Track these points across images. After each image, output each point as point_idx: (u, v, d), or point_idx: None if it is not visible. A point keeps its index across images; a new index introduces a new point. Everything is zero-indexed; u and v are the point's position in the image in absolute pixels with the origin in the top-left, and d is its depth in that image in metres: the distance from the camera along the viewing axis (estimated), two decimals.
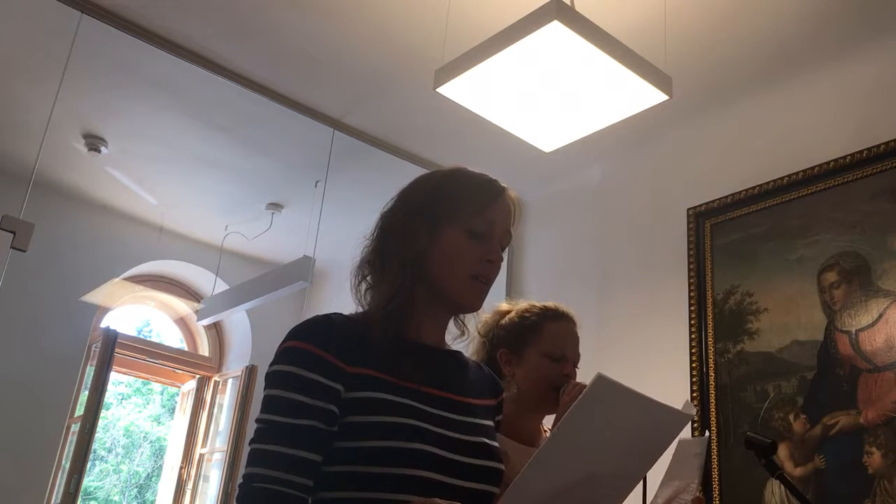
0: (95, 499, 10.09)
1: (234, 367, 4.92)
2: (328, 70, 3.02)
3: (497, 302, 1.70)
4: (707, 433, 2.65)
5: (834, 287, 2.51)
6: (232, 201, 4.20)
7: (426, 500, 0.97)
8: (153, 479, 10.10)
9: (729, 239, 2.85)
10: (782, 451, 2.47)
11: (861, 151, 2.54)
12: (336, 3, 2.64)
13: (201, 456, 4.79)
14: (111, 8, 2.76)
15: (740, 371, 2.67)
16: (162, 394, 10.64)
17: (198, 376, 5.02)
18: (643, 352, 3.00)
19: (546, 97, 2.24)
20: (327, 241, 3.80)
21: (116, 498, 10.28)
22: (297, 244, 4.06)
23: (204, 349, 5.15)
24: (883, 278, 2.40)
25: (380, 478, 0.99)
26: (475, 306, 1.15)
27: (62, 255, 4.15)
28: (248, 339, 4.91)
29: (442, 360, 1.16)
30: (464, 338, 1.21)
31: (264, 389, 1.03)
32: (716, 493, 2.59)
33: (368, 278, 1.16)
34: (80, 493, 3.93)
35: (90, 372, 4.15)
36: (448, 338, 1.19)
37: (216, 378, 4.99)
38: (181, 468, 4.78)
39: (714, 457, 2.63)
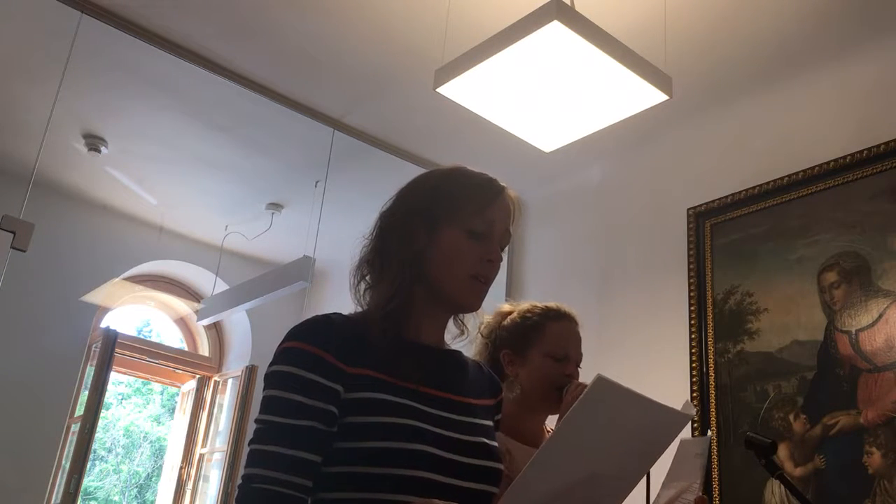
0: (95, 499, 10.09)
1: (234, 367, 4.93)
2: (328, 70, 3.02)
3: (497, 302, 1.70)
4: (709, 433, 2.65)
5: (834, 287, 2.51)
6: (232, 201, 4.20)
7: (425, 500, 0.97)
8: (153, 479, 10.10)
9: (729, 239, 2.85)
10: (782, 451, 2.47)
11: (861, 151, 2.54)
12: (336, 3, 2.64)
13: (201, 456, 4.79)
14: (111, 8, 2.76)
15: (740, 371, 2.67)
16: (162, 394, 10.65)
17: (198, 376, 5.02)
18: (643, 352, 3.00)
19: (546, 97, 2.24)
20: (327, 241, 3.80)
21: (116, 498, 10.28)
22: (297, 244, 4.06)
23: (204, 349, 5.15)
24: (883, 278, 2.40)
25: (379, 478, 0.98)
26: (475, 306, 1.14)
27: (62, 255, 4.15)
28: (248, 339, 4.91)
29: (441, 359, 1.15)
30: (463, 337, 1.21)
31: (263, 390, 1.03)
32: (716, 493, 2.59)
33: (367, 278, 1.15)
34: (80, 493, 3.93)
35: (90, 372, 4.15)
36: (448, 337, 1.19)
37: (216, 378, 4.99)
38: (181, 468, 4.78)
39: (714, 457, 2.63)
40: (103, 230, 4.37)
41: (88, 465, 4.33)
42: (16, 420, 3.86)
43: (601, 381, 0.95)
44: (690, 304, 2.87)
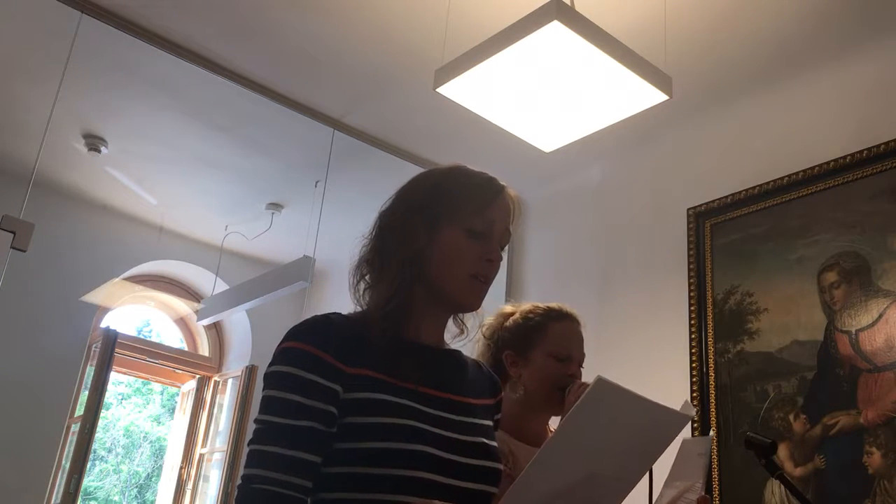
0: (95, 499, 10.09)
1: (234, 367, 4.93)
2: (328, 70, 3.02)
3: (497, 302, 1.70)
4: (711, 433, 2.65)
5: (834, 287, 2.51)
6: (232, 201, 4.20)
7: (425, 501, 0.97)
8: (153, 479, 10.10)
9: (729, 239, 2.85)
10: (782, 451, 2.47)
11: (861, 151, 2.54)
12: (336, 3, 2.64)
13: (201, 456, 4.79)
14: (111, 8, 2.76)
15: (740, 371, 2.67)
16: (162, 394, 10.65)
17: (198, 376, 5.02)
18: (643, 352, 3.00)
19: (546, 97, 2.24)
20: (327, 241, 3.80)
21: (116, 498, 10.28)
22: (297, 244, 4.06)
23: (204, 349, 5.15)
24: (883, 278, 2.40)
25: (379, 479, 0.98)
26: (474, 306, 1.14)
27: (62, 255, 4.15)
28: (248, 339, 4.92)
29: (441, 359, 1.15)
30: (463, 336, 1.21)
31: (263, 390, 1.02)
32: (716, 493, 2.59)
33: (367, 277, 1.15)
34: (80, 493, 3.93)
35: (90, 372, 4.15)
36: (448, 336, 1.19)
37: (216, 378, 4.99)
38: (181, 468, 4.78)
39: (714, 457, 2.63)
40: (103, 230, 4.37)
41: (88, 465, 4.33)
42: (16, 420, 3.86)
43: (601, 382, 0.95)
44: (690, 304, 2.87)
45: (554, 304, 1.69)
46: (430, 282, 1.12)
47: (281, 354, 1.02)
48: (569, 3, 2.03)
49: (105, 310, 4.52)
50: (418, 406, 1.05)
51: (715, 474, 2.61)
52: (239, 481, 0.98)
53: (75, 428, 4.02)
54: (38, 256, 3.78)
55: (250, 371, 4.62)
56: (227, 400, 4.85)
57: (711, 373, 2.74)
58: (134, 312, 6.48)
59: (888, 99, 2.55)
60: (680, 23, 2.55)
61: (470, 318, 1.21)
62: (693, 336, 2.83)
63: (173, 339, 5.89)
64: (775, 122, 2.86)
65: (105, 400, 4.23)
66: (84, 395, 4.12)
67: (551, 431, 1.68)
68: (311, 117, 3.30)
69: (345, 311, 1.12)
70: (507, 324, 1.68)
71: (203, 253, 4.74)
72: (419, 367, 1.08)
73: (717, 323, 2.78)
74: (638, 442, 1.06)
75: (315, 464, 0.98)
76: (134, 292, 4.73)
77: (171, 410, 9.32)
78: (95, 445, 5.68)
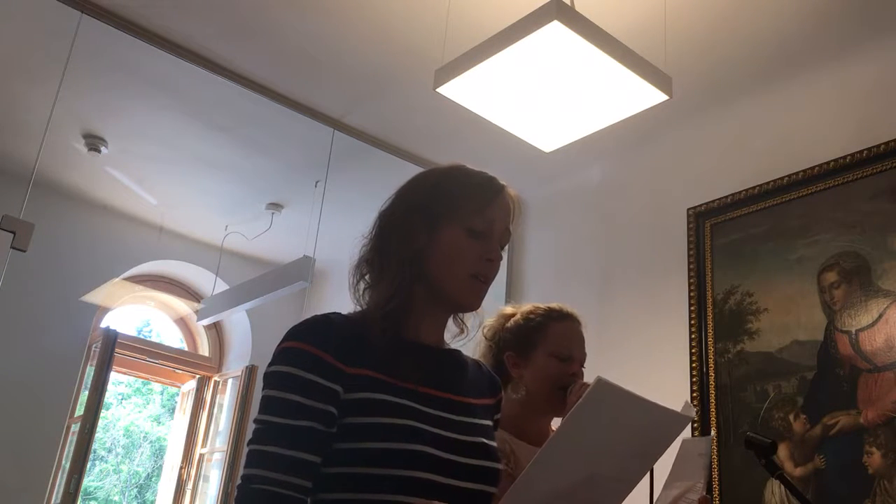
0: (95, 499, 10.09)
1: (234, 367, 4.93)
2: (328, 70, 3.02)
3: (497, 302, 1.70)
4: (711, 433, 2.65)
5: (834, 287, 2.51)
6: (232, 201, 4.20)
7: (425, 501, 0.97)
8: (153, 479, 10.10)
9: (729, 239, 2.85)
10: (782, 451, 2.47)
11: (861, 151, 2.54)
12: (336, 3, 2.64)
13: (201, 456, 4.79)
14: (111, 8, 2.76)
15: (740, 371, 2.67)
16: (162, 394, 10.65)
17: (198, 376, 5.02)
18: (643, 352, 3.00)
19: (546, 97, 2.24)
20: (327, 241, 3.80)
21: (116, 498, 10.28)
22: (297, 244, 4.06)
23: (204, 349, 5.15)
24: (883, 278, 2.40)
25: (379, 479, 0.98)
26: (474, 306, 1.14)
27: (62, 255, 4.15)
28: (248, 339, 4.92)
29: (440, 359, 1.15)
30: (463, 336, 1.21)
31: (263, 390, 1.02)
32: (716, 493, 2.59)
33: (367, 277, 1.15)
34: (80, 493, 3.93)
35: (90, 372, 4.15)
36: (448, 336, 1.19)
37: (216, 378, 4.99)
38: (181, 468, 4.78)
39: (714, 457, 2.63)
40: (103, 230, 4.37)
41: (88, 465, 4.33)
42: (16, 420, 3.86)
43: (601, 383, 0.95)
44: (690, 304, 2.87)
45: (554, 305, 1.69)
46: (430, 281, 1.12)
47: (281, 354, 1.02)
48: (569, 3, 2.03)
49: (105, 310, 4.52)
50: (418, 406, 1.05)
51: (715, 474, 2.61)
52: (238, 481, 0.98)
53: (75, 428, 4.02)
54: (38, 256, 3.78)
55: (250, 371, 4.62)
56: (227, 400, 4.85)
57: (711, 373, 2.74)
58: (134, 312, 6.48)
59: (888, 99, 2.55)
60: (680, 23, 2.55)
61: (470, 318, 1.21)
62: (693, 336, 2.83)
63: (173, 339, 5.89)
64: (775, 122, 2.86)
65: (105, 400, 4.23)
66: (84, 395, 4.12)
67: (553, 431, 1.68)
68: (311, 117, 3.30)
69: (345, 311, 1.12)
70: (508, 325, 1.68)
71: (203, 253, 4.74)
72: (419, 367, 1.08)
73: (717, 323, 2.78)
74: (638, 443, 1.06)
75: (315, 464, 0.98)
76: (134, 292, 4.73)
77: (171, 410, 9.32)
78: (95, 445, 5.69)
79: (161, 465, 7.99)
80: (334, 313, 1.09)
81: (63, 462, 4.00)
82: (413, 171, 1.24)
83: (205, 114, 3.39)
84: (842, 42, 2.63)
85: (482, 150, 3.25)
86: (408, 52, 2.83)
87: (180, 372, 5.02)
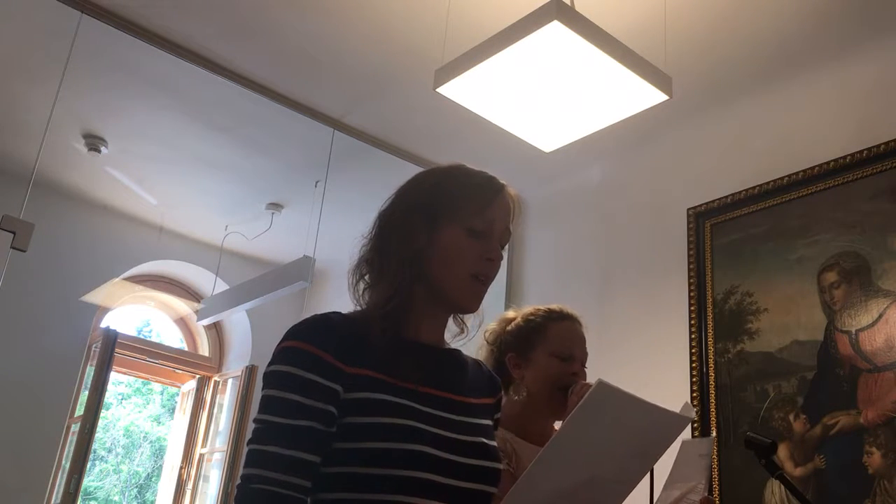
0: (95, 499, 10.09)
1: (234, 367, 4.93)
2: (328, 70, 3.02)
3: (497, 301, 1.71)
4: (712, 434, 2.65)
5: (834, 287, 2.51)
6: (232, 201, 4.20)
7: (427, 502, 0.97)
8: (153, 479, 10.10)
9: (729, 239, 2.85)
10: (782, 451, 2.47)
11: (861, 151, 2.54)
12: (336, 3, 2.64)
13: (201, 456, 4.79)
14: (111, 8, 2.76)
15: (740, 371, 2.67)
16: (162, 394, 10.65)
17: (198, 376, 5.02)
18: (643, 352, 3.00)
19: (546, 97, 2.24)
20: (327, 241, 3.80)
21: (116, 498, 10.28)
22: (297, 244, 4.06)
23: (204, 349, 5.15)
24: (883, 278, 2.40)
25: (378, 479, 0.98)
26: (473, 307, 1.14)
27: (62, 255, 4.15)
28: (248, 339, 4.92)
29: (440, 359, 1.15)
30: (463, 336, 1.21)
31: (262, 389, 1.02)
32: (716, 493, 2.59)
33: (366, 277, 1.15)
34: (80, 493, 3.93)
35: (90, 372, 4.15)
36: (448, 336, 1.19)
37: (216, 378, 4.99)
38: (181, 468, 4.78)
39: (714, 457, 2.63)
40: (103, 230, 4.37)
41: (88, 465, 4.33)
42: (16, 420, 3.86)
43: (602, 385, 0.95)
44: (690, 304, 2.87)
45: (554, 306, 1.71)
46: (430, 281, 1.12)
47: (280, 354, 1.02)
48: (569, 3, 2.03)
49: (105, 310, 4.52)
50: (418, 406, 1.04)
51: (715, 474, 2.61)
52: (238, 481, 0.98)
53: (75, 428, 4.02)
54: (38, 256, 3.78)
55: (250, 371, 4.62)
56: (227, 400, 4.85)
57: (711, 373, 2.74)
58: (134, 312, 6.48)
59: (888, 99, 2.55)
60: (680, 23, 2.55)
61: (470, 318, 1.21)
62: (693, 336, 2.83)
63: (173, 339, 5.89)
64: (775, 122, 2.86)
65: (105, 400, 4.23)
66: (84, 395, 4.12)
67: (555, 431, 1.68)
68: (311, 117, 3.30)
69: (345, 311, 1.12)
70: (510, 328, 1.69)
71: (203, 253, 4.74)
72: (419, 366, 1.08)
73: (717, 323, 2.78)
74: (638, 444, 1.06)
75: (314, 463, 0.98)
76: (134, 292, 4.74)
77: (171, 410, 9.32)
78: (95, 445, 5.69)
79: (161, 465, 7.99)
80: (334, 313, 1.09)
81: (63, 462, 4.00)
82: (413, 171, 1.24)
83: (205, 114, 3.39)
84: (842, 42, 2.63)
85: (482, 150, 3.25)
86: (408, 52, 2.83)
87: (180, 372, 5.02)
